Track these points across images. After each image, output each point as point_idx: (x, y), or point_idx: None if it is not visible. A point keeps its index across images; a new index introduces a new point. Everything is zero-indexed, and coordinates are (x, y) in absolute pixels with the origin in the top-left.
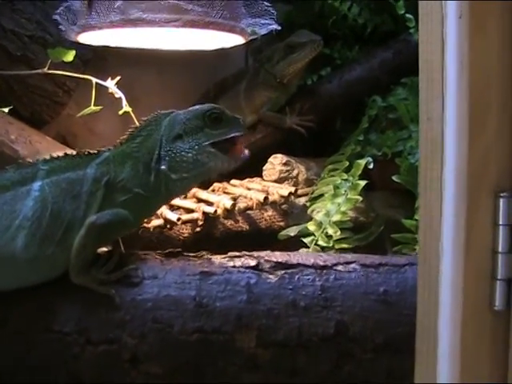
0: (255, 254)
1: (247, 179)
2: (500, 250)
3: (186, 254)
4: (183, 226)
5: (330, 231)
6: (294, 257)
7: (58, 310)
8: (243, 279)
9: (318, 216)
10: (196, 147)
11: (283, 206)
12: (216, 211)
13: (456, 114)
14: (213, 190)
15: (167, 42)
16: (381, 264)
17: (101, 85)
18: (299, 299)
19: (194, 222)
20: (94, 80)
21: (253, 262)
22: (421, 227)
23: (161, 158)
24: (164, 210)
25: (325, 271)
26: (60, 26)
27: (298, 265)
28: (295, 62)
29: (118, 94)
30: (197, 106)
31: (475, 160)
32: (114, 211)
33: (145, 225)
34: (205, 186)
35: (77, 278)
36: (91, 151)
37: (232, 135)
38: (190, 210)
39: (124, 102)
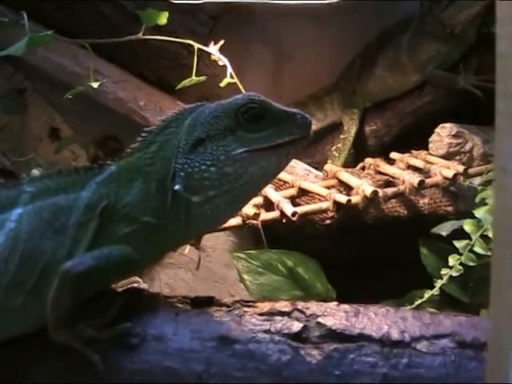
0: (311, 308)
1: (410, 153)
2: None
3: (218, 300)
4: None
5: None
6: (360, 320)
7: (27, 372)
8: (273, 354)
9: (479, 212)
10: (222, 157)
11: (451, 188)
12: (349, 201)
13: None
14: (363, 168)
15: None
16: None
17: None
18: None
19: (322, 212)
20: (196, 45)
21: (297, 327)
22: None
23: (175, 174)
24: (281, 201)
25: (396, 351)
26: None
27: (360, 337)
28: (467, 6)
29: (223, 60)
30: (231, 99)
31: None
32: (104, 252)
33: (252, 220)
34: (352, 163)
35: (55, 334)
36: (93, 165)
37: (279, 142)
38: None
39: (229, 70)
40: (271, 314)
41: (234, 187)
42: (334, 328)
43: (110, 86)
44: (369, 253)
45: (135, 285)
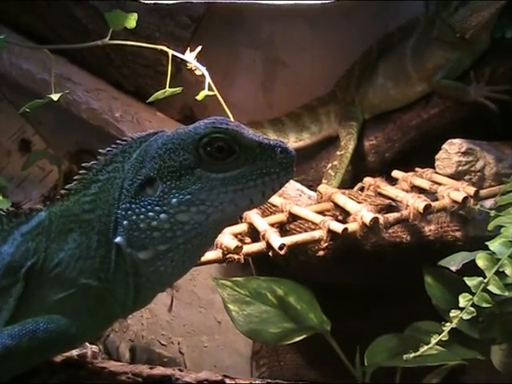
0: None
1: (414, 171)
2: None
3: (178, 378)
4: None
5: (509, 271)
6: None
7: None
8: None
9: (494, 244)
10: (174, 201)
11: (460, 211)
12: (346, 229)
13: None
14: (361, 189)
15: None
16: None
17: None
18: None
19: (315, 242)
20: (171, 52)
21: None
22: None
23: (117, 223)
24: (268, 231)
25: None
26: None
27: None
28: (479, 8)
29: (200, 70)
30: (191, 127)
31: None
32: (28, 327)
33: (232, 255)
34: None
35: None
36: (19, 211)
37: (250, 185)
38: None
39: (208, 80)
40: None
41: (191, 237)
42: None
43: (82, 95)
44: (368, 280)
45: (83, 350)
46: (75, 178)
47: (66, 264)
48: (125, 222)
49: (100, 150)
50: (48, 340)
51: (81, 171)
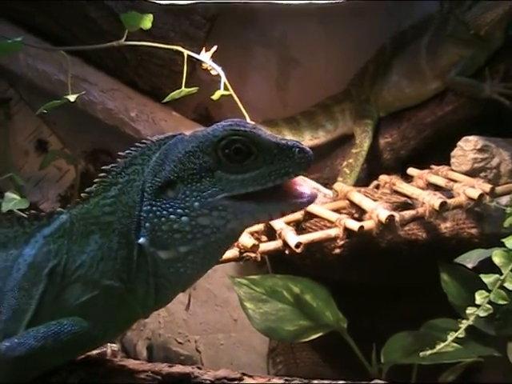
0: None
1: (429, 169)
2: None
3: (197, 376)
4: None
5: None
6: None
7: None
8: None
9: (510, 241)
10: (196, 204)
11: (476, 208)
12: (362, 227)
13: None
14: (377, 187)
15: None
16: None
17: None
18: None
19: (331, 240)
20: (186, 52)
21: None
22: None
23: (140, 224)
24: (284, 229)
25: None
26: None
27: None
28: (493, 6)
29: (216, 70)
30: (209, 129)
31: None
32: (52, 329)
33: (249, 254)
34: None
35: None
36: (41, 214)
37: (270, 185)
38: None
39: (223, 80)
40: None
41: (210, 242)
42: None
43: (98, 95)
44: (384, 278)
45: (103, 349)
46: (95, 180)
47: (88, 266)
48: (147, 224)
49: (119, 153)
50: (72, 342)
51: (100, 174)
